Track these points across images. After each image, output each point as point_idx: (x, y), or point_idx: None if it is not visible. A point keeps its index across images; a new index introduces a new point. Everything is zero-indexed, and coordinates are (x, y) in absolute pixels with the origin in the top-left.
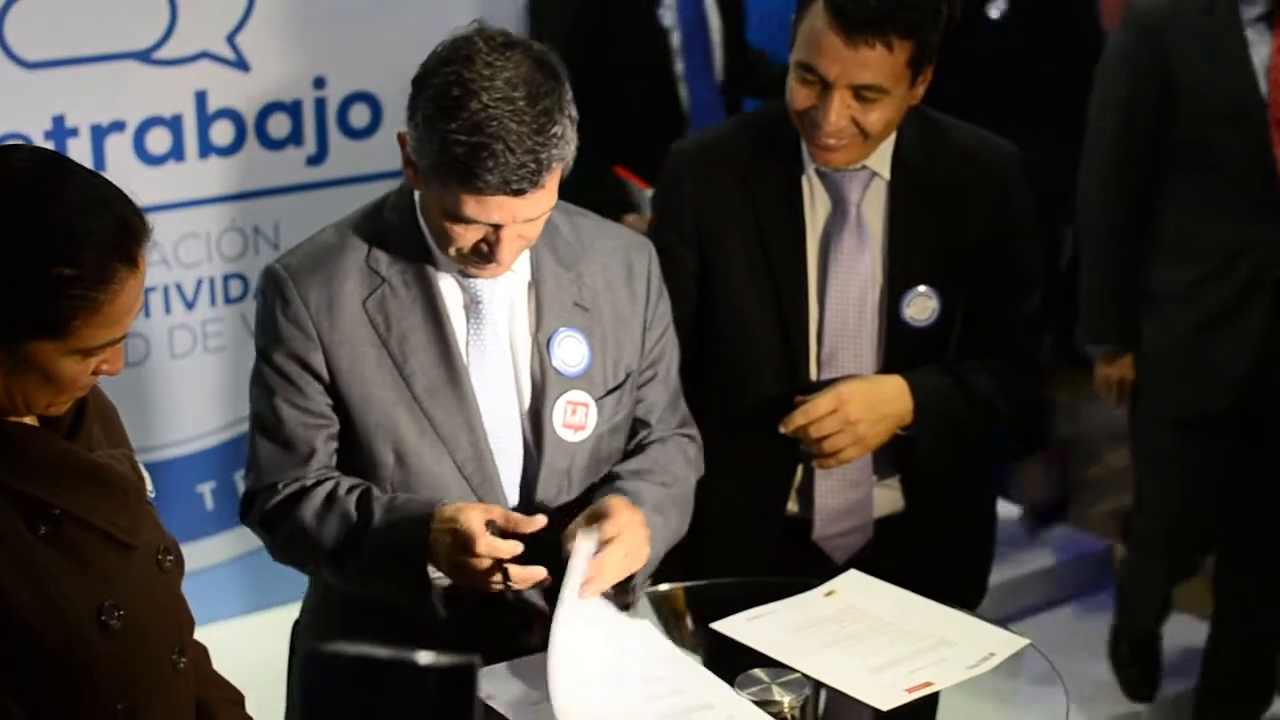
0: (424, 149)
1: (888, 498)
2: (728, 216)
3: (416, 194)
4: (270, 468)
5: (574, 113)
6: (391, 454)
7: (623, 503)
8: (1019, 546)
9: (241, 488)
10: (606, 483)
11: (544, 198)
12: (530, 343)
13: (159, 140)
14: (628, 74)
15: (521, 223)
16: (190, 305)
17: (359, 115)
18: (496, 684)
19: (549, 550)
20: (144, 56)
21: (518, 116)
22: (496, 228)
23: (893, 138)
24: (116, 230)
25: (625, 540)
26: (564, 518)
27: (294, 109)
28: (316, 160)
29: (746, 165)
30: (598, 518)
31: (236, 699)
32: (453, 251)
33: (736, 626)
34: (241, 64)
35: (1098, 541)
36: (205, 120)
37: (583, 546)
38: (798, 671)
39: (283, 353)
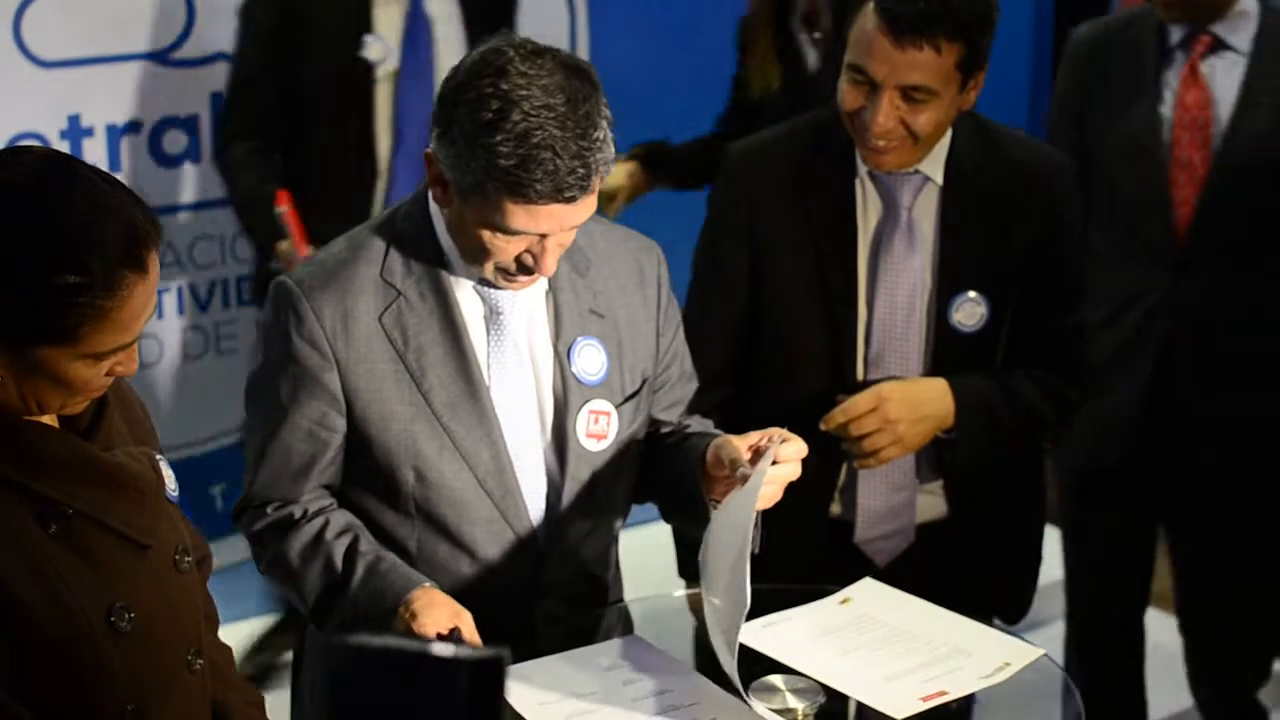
0: (465, 165)
1: (931, 503)
2: (781, 217)
3: (434, 207)
4: (263, 486)
5: (610, 115)
6: (411, 471)
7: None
8: None
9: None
10: (667, 437)
11: (590, 203)
12: (550, 353)
13: (174, 141)
14: (315, 107)
15: (567, 230)
16: (204, 307)
17: None
18: (513, 684)
19: (568, 561)
20: (160, 57)
21: (561, 123)
22: (541, 238)
23: (946, 143)
24: (125, 236)
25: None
26: (587, 529)
27: None
28: None
29: (800, 167)
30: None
31: (256, 701)
32: (490, 266)
33: (752, 633)
34: None
35: None
36: (220, 122)
37: (769, 455)
38: (812, 679)
39: (294, 371)
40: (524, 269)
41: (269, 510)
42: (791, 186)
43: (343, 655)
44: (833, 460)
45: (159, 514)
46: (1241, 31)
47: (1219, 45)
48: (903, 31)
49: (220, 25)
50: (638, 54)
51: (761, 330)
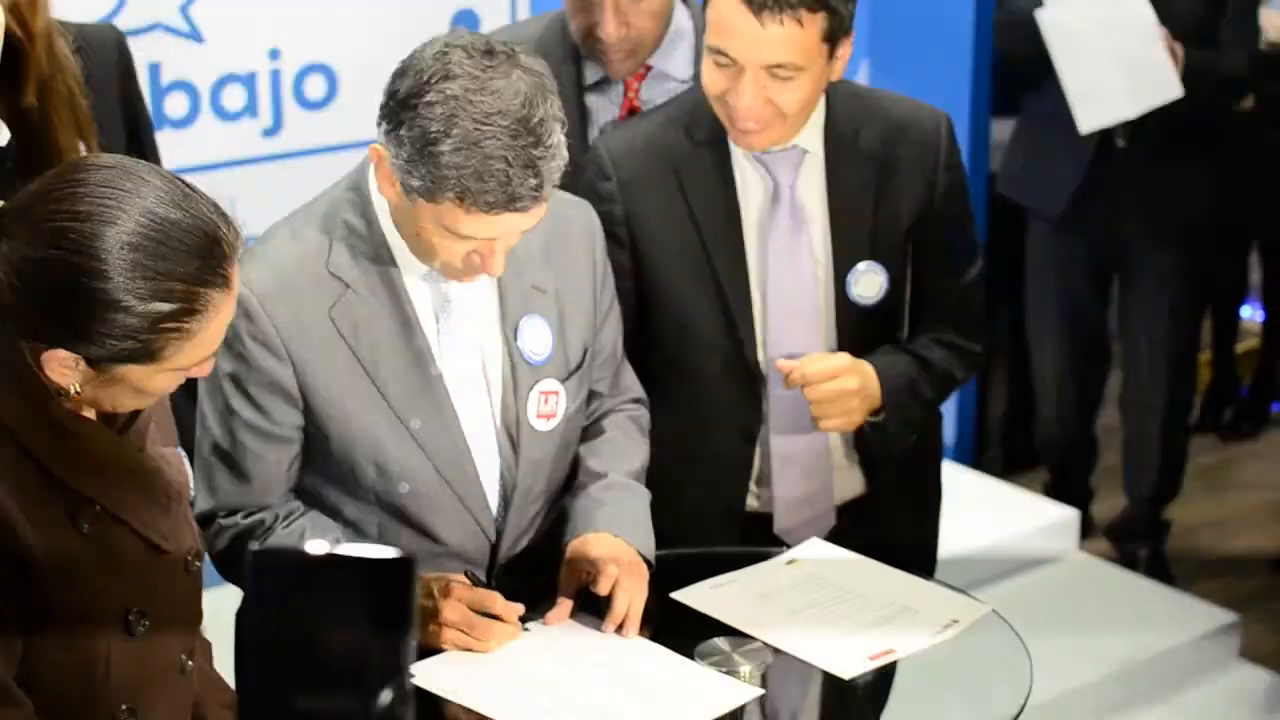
0: (415, 170)
1: (848, 481)
2: (660, 209)
3: (376, 194)
4: (228, 494)
5: (564, 117)
6: (372, 466)
7: (607, 552)
8: (982, 514)
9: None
10: (577, 486)
11: (542, 209)
12: (499, 335)
13: None
14: None
15: (518, 233)
16: None
17: (315, 87)
18: (429, 672)
19: (523, 536)
20: None
21: (513, 130)
22: (491, 240)
23: (822, 112)
24: (207, 255)
25: (627, 584)
26: (540, 505)
27: (249, 81)
28: (272, 132)
29: (674, 154)
30: (581, 569)
31: (227, 703)
32: (438, 264)
33: (697, 595)
34: (195, 35)
35: (1062, 508)
36: (159, 92)
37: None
38: (759, 640)
39: (249, 374)
40: (472, 268)
41: (240, 519)
42: (667, 176)
43: (260, 563)
44: (746, 453)
45: (181, 519)
46: (677, 58)
47: (658, 73)
48: (761, 7)
49: None
50: None
51: (655, 327)
